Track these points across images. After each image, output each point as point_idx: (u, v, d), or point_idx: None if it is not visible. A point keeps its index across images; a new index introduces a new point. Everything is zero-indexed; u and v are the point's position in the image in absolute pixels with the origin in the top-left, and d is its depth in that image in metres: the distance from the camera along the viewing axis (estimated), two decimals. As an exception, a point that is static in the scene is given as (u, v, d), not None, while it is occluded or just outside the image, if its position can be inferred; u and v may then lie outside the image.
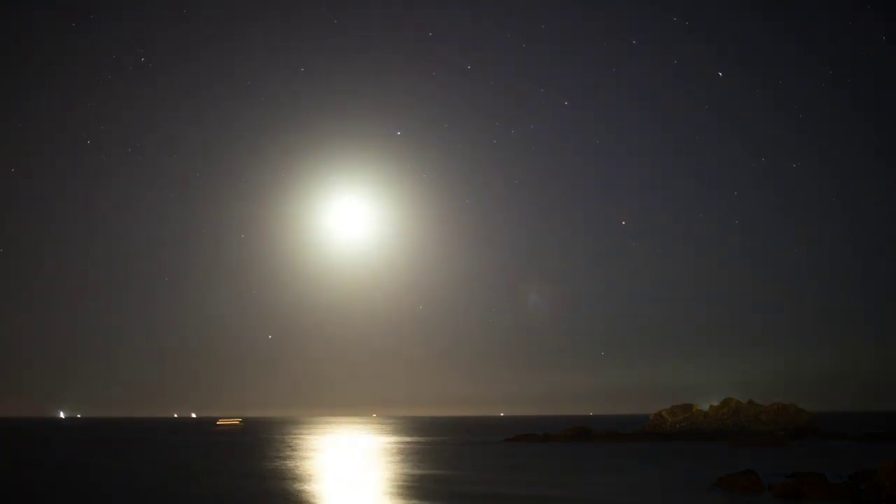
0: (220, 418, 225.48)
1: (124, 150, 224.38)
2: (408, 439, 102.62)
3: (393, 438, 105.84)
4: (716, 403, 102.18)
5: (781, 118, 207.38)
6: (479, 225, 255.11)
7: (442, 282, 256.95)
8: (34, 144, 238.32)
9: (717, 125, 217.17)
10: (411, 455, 66.60)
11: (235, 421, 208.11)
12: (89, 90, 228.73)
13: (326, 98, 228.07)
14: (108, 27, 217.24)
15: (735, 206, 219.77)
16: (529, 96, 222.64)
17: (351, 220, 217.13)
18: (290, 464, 56.12)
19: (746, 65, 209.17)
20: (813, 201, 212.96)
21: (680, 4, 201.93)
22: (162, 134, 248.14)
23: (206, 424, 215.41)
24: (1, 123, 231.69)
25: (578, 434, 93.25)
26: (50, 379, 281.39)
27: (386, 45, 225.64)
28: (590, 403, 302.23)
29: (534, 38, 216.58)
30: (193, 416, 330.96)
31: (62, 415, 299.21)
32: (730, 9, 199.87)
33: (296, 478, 45.00)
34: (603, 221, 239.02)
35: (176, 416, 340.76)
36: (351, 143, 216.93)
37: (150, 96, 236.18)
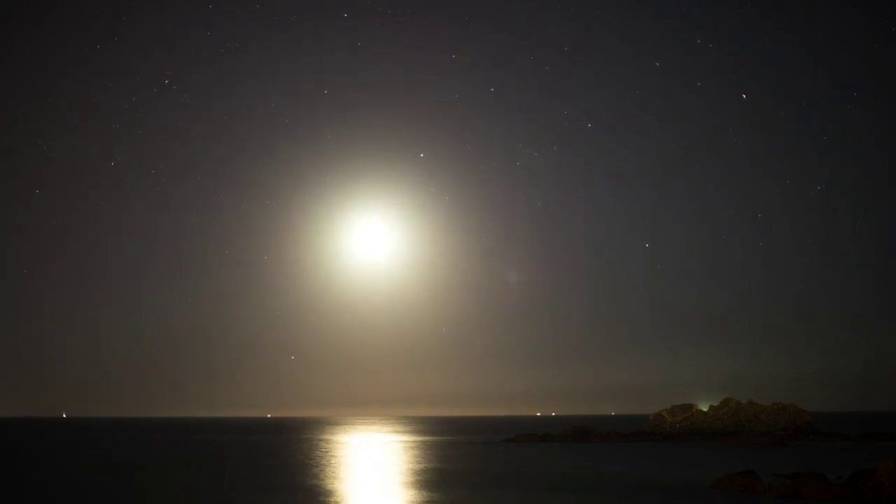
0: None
1: (148, 171, 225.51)
2: (409, 438, 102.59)
3: (400, 438, 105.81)
4: (716, 403, 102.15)
5: (805, 140, 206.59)
6: (502, 247, 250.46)
7: (464, 304, 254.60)
8: (59, 164, 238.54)
9: (741, 147, 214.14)
10: (406, 453, 66.57)
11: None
12: (115, 112, 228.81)
13: (349, 120, 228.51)
14: (133, 50, 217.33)
15: (760, 228, 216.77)
16: (553, 118, 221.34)
17: (373, 242, 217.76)
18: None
19: (770, 86, 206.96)
20: (839, 224, 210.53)
21: (704, 26, 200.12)
22: (186, 155, 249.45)
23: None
24: (27, 144, 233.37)
25: (578, 434, 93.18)
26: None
27: (408, 67, 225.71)
28: (612, 403, 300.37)
29: (557, 60, 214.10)
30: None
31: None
32: (754, 31, 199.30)
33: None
34: (627, 244, 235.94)
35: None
36: (374, 165, 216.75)
37: (174, 118, 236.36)
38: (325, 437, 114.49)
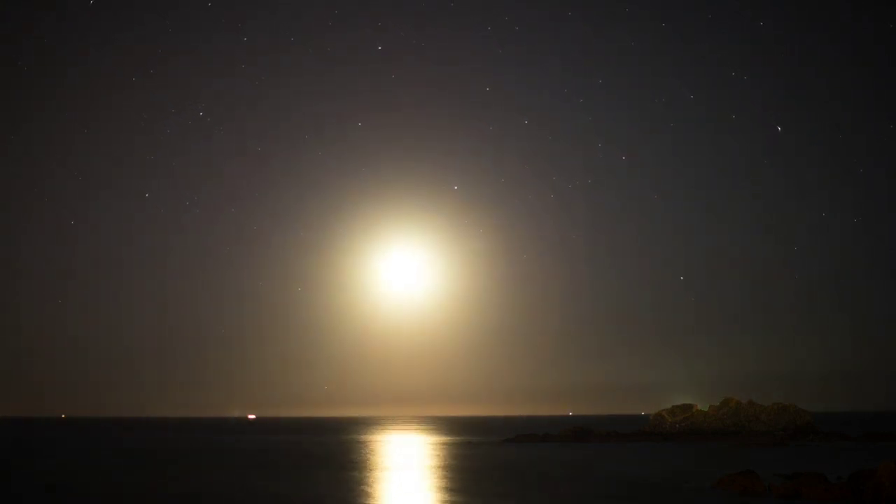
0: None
1: (182, 203, 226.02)
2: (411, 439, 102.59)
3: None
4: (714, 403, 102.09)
5: (841, 172, 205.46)
6: (536, 280, 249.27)
7: (497, 336, 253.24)
8: (94, 197, 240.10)
9: (776, 180, 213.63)
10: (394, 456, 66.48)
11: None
12: (149, 144, 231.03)
13: (383, 152, 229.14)
14: (168, 83, 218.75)
15: (795, 261, 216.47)
16: (587, 151, 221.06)
17: (406, 273, 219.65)
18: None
19: (805, 119, 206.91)
20: (869, 259, 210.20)
21: (737, 59, 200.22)
22: (220, 187, 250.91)
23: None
24: (62, 177, 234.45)
25: (578, 434, 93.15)
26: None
27: (443, 99, 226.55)
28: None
29: (591, 93, 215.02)
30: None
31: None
32: (788, 64, 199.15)
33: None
34: (661, 276, 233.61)
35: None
36: (408, 197, 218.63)
37: (208, 151, 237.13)
38: (365, 437, 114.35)
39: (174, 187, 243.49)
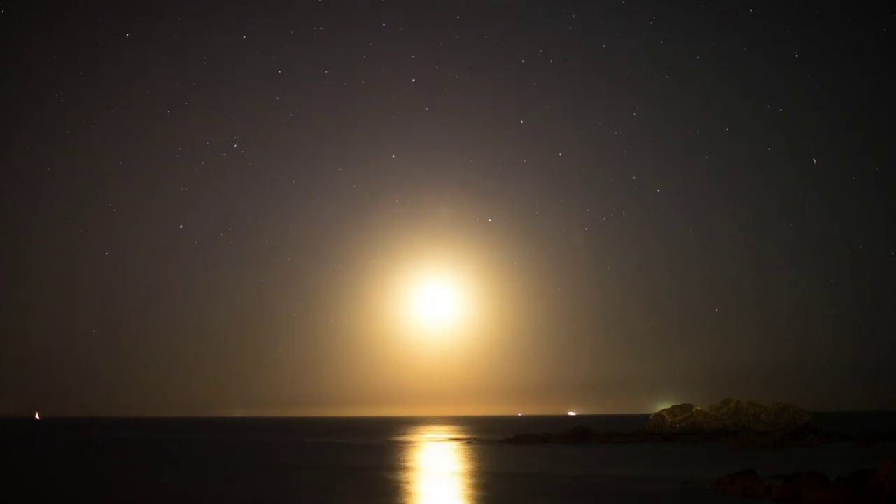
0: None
1: (216, 234, 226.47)
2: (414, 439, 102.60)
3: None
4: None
5: (880, 206, 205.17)
6: (570, 314, 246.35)
7: (532, 371, 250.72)
8: (128, 228, 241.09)
9: (814, 214, 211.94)
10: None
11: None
12: (183, 175, 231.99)
13: (417, 184, 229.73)
14: (202, 114, 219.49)
15: (833, 294, 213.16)
16: (621, 183, 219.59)
17: (440, 307, 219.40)
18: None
19: (841, 151, 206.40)
20: None
21: (772, 92, 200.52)
22: (254, 219, 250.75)
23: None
24: (97, 209, 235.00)
25: (577, 435, 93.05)
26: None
27: (476, 132, 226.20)
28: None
29: (625, 125, 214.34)
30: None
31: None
32: (821, 98, 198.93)
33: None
34: (697, 309, 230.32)
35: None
36: (442, 229, 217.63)
37: (242, 182, 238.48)
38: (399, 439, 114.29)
39: (208, 219, 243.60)
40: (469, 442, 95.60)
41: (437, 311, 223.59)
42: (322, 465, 57.74)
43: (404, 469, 52.60)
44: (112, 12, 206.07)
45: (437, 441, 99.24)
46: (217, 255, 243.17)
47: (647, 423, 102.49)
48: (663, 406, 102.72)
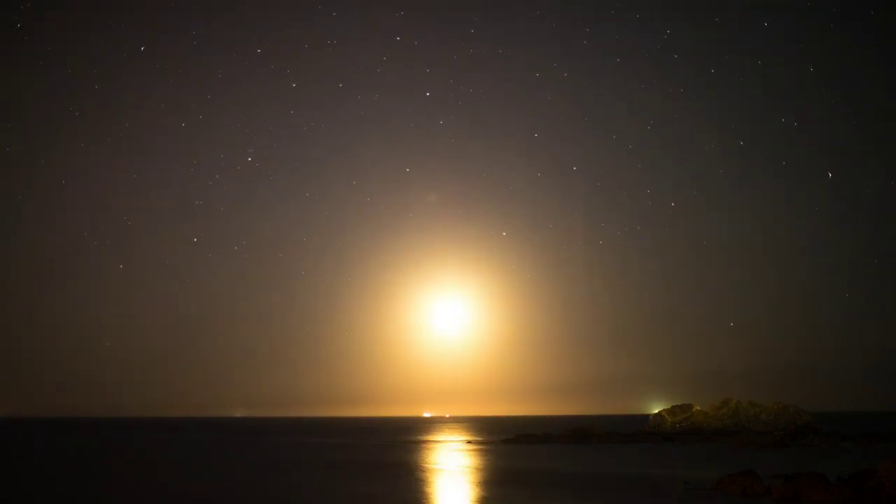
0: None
1: (230, 247, 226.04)
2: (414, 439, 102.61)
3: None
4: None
5: (883, 211, 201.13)
6: (586, 329, 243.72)
7: (548, 388, 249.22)
8: (142, 242, 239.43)
9: (828, 230, 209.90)
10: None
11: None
12: (197, 189, 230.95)
13: (431, 197, 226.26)
14: (217, 127, 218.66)
15: (850, 308, 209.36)
16: (636, 198, 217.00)
17: (454, 321, 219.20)
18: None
19: (857, 165, 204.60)
20: None
21: (788, 106, 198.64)
22: (267, 232, 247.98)
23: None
24: (111, 221, 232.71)
25: (578, 434, 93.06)
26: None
27: (491, 145, 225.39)
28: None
29: (640, 140, 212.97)
30: None
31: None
32: (836, 111, 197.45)
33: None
34: (713, 325, 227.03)
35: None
36: (456, 243, 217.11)
37: (256, 195, 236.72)
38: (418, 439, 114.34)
39: (222, 232, 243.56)
40: (469, 442, 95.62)
41: (449, 324, 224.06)
42: (322, 464, 57.77)
43: (404, 469, 52.63)
44: (127, 26, 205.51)
45: (437, 442, 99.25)
46: (231, 267, 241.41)
47: (647, 423, 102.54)
48: (663, 406, 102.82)
